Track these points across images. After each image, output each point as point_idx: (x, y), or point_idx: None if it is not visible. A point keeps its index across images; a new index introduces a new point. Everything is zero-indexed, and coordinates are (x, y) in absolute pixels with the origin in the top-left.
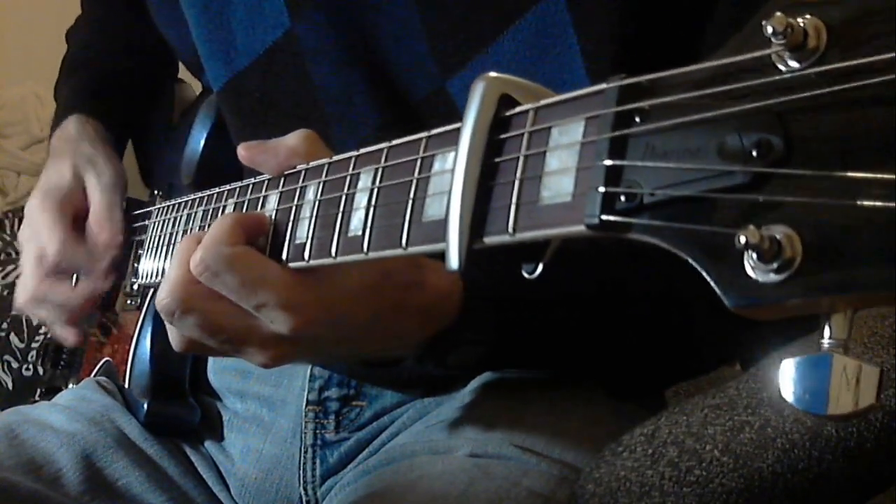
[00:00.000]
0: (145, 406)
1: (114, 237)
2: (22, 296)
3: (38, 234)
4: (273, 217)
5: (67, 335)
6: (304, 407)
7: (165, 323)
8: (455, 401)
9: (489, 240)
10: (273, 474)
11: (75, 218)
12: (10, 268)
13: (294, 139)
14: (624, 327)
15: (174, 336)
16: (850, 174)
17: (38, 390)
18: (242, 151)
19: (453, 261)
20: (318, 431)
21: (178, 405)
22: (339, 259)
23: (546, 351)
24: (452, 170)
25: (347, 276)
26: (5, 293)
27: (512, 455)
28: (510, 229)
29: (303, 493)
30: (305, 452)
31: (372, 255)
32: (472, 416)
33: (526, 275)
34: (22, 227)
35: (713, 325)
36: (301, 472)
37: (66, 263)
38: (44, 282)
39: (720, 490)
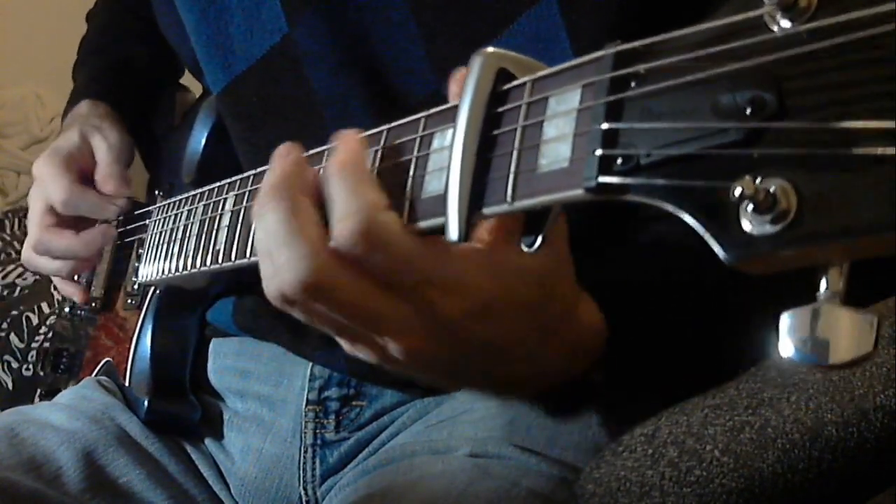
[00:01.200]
0: (146, 403)
1: (119, 188)
2: (26, 247)
3: (45, 186)
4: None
5: (73, 291)
6: (304, 406)
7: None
8: (455, 401)
9: (488, 210)
10: (273, 474)
11: (82, 176)
12: (10, 268)
13: None
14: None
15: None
16: (842, 124)
17: (39, 392)
18: None
19: (453, 231)
20: (318, 431)
21: (179, 403)
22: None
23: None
24: (451, 145)
25: (520, 274)
26: (5, 293)
27: (511, 455)
28: (509, 198)
29: (303, 492)
30: (305, 452)
31: None
32: (471, 415)
33: (525, 248)
34: (31, 190)
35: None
36: (301, 471)
37: (72, 208)
38: (47, 230)
39: (720, 490)
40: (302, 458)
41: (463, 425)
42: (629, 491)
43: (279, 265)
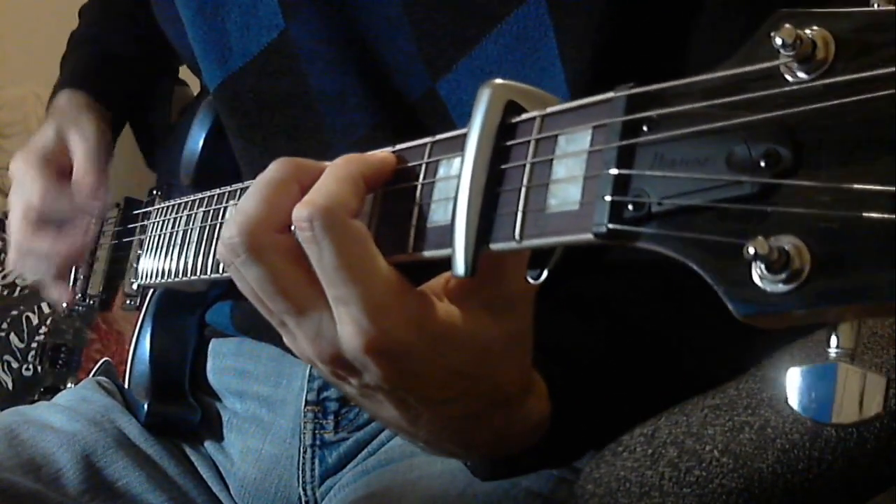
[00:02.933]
0: (145, 406)
1: (96, 188)
2: (10, 251)
3: (23, 187)
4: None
5: (57, 292)
6: (303, 407)
7: (223, 264)
8: None
9: (496, 246)
10: (272, 474)
11: (59, 174)
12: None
13: None
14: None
15: (234, 277)
16: (856, 186)
17: (38, 390)
18: None
19: (460, 267)
20: (317, 432)
21: (179, 405)
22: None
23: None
24: (459, 175)
25: (460, 334)
26: (5, 293)
27: None
28: (517, 236)
29: (302, 493)
30: (304, 453)
31: None
32: None
33: (531, 280)
34: (10, 192)
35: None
36: (300, 472)
37: (49, 212)
38: (27, 231)
39: (720, 490)
40: (301, 458)
41: None
42: (629, 491)
43: (233, 214)
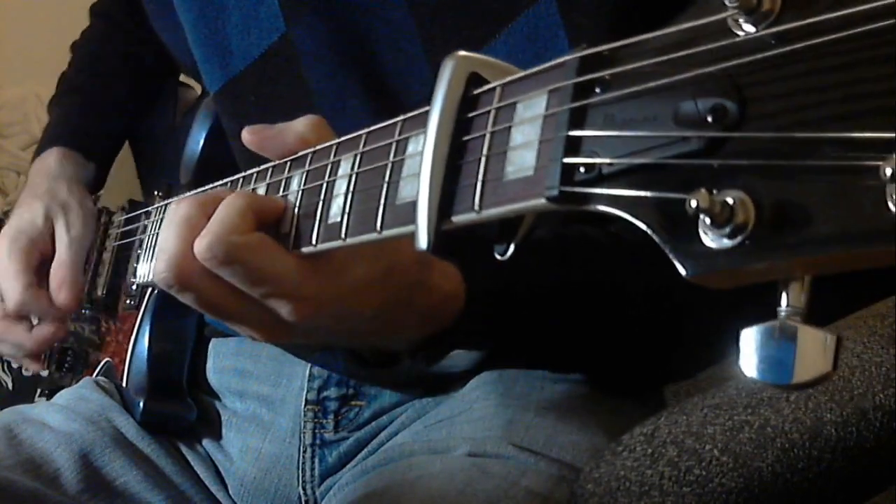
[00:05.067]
0: (141, 404)
1: (72, 301)
2: None
3: (2, 280)
4: (289, 201)
5: (29, 366)
6: (302, 406)
7: None
8: (454, 400)
9: (457, 219)
10: (272, 474)
11: (42, 262)
12: None
13: (303, 124)
14: (621, 327)
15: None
16: (802, 134)
17: (39, 390)
18: (248, 135)
19: (422, 241)
20: (316, 431)
21: (175, 404)
22: (320, 246)
23: (542, 352)
24: (422, 150)
25: (355, 270)
26: None
27: (510, 454)
28: (476, 206)
29: (302, 492)
30: (304, 452)
31: (349, 240)
32: (470, 415)
33: (498, 256)
34: None
35: (707, 322)
36: (300, 471)
37: (25, 311)
38: (3, 324)
39: (720, 490)
40: (301, 457)
41: (462, 425)
42: (629, 490)
43: (157, 252)
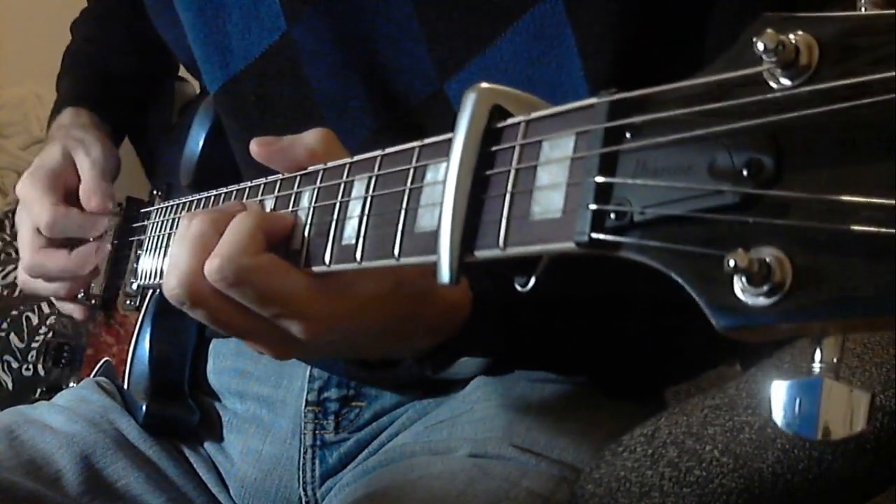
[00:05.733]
0: (144, 407)
1: (104, 203)
2: (20, 271)
3: (31, 209)
4: (298, 219)
5: (72, 308)
6: (303, 408)
7: None
8: (454, 401)
9: (480, 254)
10: (273, 475)
11: (66, 194)
12: (10, 268)
13: (312, 138)
14: (624, 332)
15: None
16: (841, 198)
17: (39, 390)
18: (256, 148)
19: (444, 274)
20: (317, 432)
21: (177, 406)
22: (333, 267)
23: (546, 358)
24: (444, 181)
25: (363, 287)
26: (5, 293)
27: (511, 455)
28: (501, 244)
29: (302, 493)
30: (305, 453)
31: (365, 264)
32: (471, 416)
33: (519, 288)
34: (17, 210)
35: (709, 326)
36: (301, 472)
37: (59, 230)
38: (39, 252)
39: (720, 490)
40: (301, 458)
41: (463, 426)
42: (629, 491)
43: (169, 268)
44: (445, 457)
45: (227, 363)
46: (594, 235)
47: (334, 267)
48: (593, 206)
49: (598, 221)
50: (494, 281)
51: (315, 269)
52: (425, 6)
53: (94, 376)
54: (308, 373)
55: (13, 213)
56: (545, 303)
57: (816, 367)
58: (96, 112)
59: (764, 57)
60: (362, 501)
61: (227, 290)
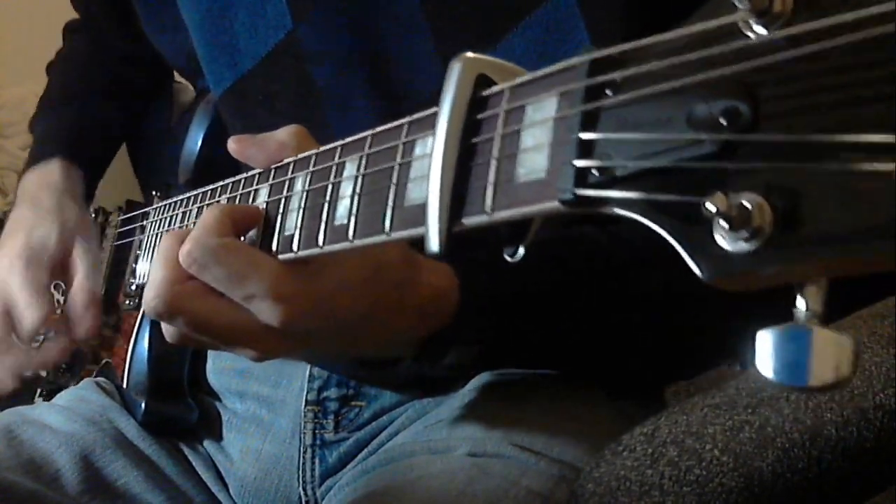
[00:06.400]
0: (143, 406)
1: (91, 333)
2: None
3: (13, 297)
4: (265, 209)
5: (5, 386)
6: (303, 407)
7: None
8: (454, 400)
9: (468, 220)
10: (272, 474)
11: (52, 279)
12: None
13: (284, 133)
14: (621, 328)
15: (166, 331)
16: (818, 138)
17: (39, 391)
18: (233, 144)
19: (433, 244)
20: (317, 431)
21: (176, 405)
22: (326, 248)
23: (543, 351)
24: (431, 153)
25: (339, 270)
26: None
27: (511, 454)
28: (488, 209)
29: (302, 493)
30: (305, 452)
31: (357, 242)
32: (470, 415)
33: (508, 258)
34: None
35: (711, 326)
36: (300, 472)
37: (35, 336)
38: (4, 340)
39: (720, 490)
40: (301, 458)
41: (462, 425)
42: (629, 490)
43: (146, 287)
44: (445, 456)
45: (227, 363)
46: (578, 192)
47: (327, 248)
48: (576, 163)
49: (581, 178)
50: (481, 268)
51: (310, 251)
52: (432, 2)
53: (94, 376)
54: (308, 372)
55: None
56: (539, 292)
57: (801, 314)
58: (82, 161)
59: (738, 5)
60: (362, 501)
61: (200, 273)
